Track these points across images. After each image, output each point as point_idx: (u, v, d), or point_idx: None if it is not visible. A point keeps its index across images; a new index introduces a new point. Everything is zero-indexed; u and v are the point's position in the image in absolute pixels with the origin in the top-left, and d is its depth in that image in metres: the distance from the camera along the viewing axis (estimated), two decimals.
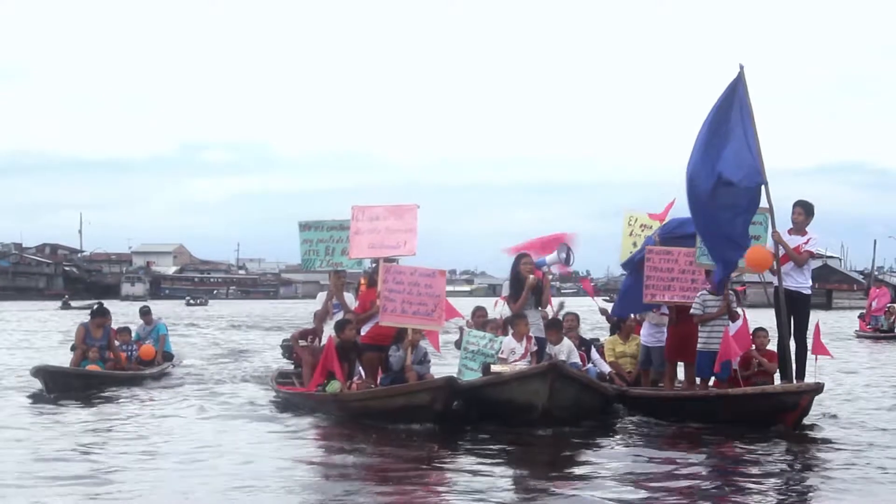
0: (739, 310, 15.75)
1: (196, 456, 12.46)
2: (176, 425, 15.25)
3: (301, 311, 69.07)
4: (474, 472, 11.36)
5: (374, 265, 17.16)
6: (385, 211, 16.65)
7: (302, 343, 18.91)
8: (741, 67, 14.33)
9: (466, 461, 12.18)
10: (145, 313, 23.93)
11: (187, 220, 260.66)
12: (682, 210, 16.10)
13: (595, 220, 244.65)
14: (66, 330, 41.76)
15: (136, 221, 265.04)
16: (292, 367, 20.84)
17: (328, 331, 17.18)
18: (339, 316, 17.13)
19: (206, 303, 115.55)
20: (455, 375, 15.26)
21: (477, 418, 14.62)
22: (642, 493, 10.30)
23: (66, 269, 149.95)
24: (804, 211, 14.99)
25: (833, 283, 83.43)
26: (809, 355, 14.75)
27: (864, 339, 39.06)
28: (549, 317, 17.23)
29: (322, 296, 17.85)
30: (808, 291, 15.01)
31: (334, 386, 15.73)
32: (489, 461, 12.10)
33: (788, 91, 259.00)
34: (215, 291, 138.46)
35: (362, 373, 16.28)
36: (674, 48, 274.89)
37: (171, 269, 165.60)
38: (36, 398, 18.37)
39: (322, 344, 17.69)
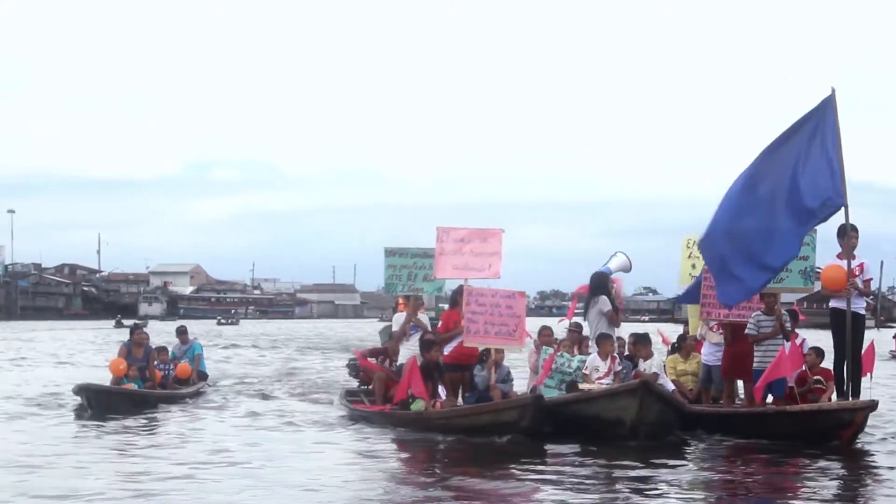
0: (795, 329, 16.56)
1: (283, 474, 12.79)
2: (251, 442, 15.73)
3: (326, 330, 69.59)
4: (555, 484, 12.07)
5: (453, 289, 18.13)
6: (470, 234, 17.25)
7: (371, 360, 19.83)
8: (833, 90, 14.59)
9: (549, 474, 12.85)
10: (182, 332, 24.23)
11: (201, 240, 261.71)
12: None
13: (598, 238, 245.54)
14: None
15: (151, 241, 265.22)
16: (356, 384, 21.40)
17: (405, 351, 18.09)
18: (415, 337, 18.02)
19: (238, 322, 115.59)
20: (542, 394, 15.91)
21: (554, 434, 15.20)
22: None
23: (85, 288, 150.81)
24: (857, 235, 15.24)
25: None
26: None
27: None
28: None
29: (400, 317, 18.69)
30: (864, 312, 15.60)
31: (419, 405, 16.32)
32: (569, 475, 12.72)
33: (793, 109, 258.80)
34: (233, 311, 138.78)
35: (441, 392, 16.83)
36: (675, 66, 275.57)
37: (188, 289, 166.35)
38: (79, 414, 18.98)
39: (395, 363, 18.71)
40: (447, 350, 17.31)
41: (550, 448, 14.72)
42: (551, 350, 16.93)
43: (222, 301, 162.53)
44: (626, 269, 18.72)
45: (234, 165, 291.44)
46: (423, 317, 18.65)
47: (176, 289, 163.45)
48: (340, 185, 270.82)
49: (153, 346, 21.65)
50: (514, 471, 13.08)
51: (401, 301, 19.45)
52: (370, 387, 19.70)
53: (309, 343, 56.92)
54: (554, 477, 12.63)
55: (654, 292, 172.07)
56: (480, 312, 16.37)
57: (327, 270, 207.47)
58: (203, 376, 23.79)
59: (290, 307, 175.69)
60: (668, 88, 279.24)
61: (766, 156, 14.71)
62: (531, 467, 13.26)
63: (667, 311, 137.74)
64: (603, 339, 16.46)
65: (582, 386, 15.91)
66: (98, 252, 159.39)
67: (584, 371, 16.22)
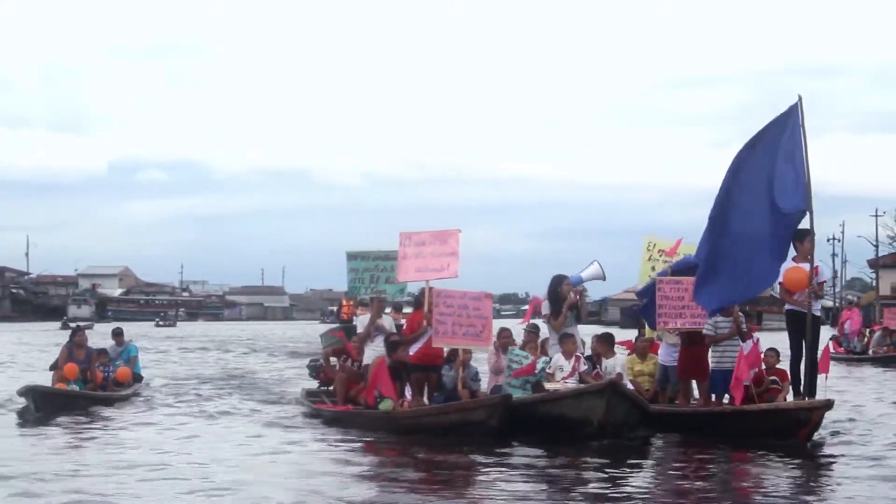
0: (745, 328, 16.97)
1: (240, 475, 13.00)
2: (213, 442, 16.08)
3: (267, 332, 69.54)
4: (515, 482, 12.45)
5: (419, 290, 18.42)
6: (430, 236, 17.82)
7: (333, 361, 20.11)
8: (799, 98, 15.21)
9: (511, 472, 13.24)
10: (117, 335, 24.32)
11: (129, 242, 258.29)
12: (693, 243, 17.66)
13: (534, 240, 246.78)
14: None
15: (80, 243, 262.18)
16: (316, 385, 21.65)
17: (370, 352, 18.34)
18: (379, 339, 18.29)
19: (175, 324, 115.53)
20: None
21: (520, 433, 15.49)
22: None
23: (14, 291, 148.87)
24: (812, 239, 15.68)
25: (763, 306, 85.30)
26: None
27: (839, 361, 39.19)
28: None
29: (364, 319, 18.98)
30: (820, 314, 15.85)
31: (387, 404, 16.60)
32: (532, 474, 13.20)
33: (716, 112, 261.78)
34: (170, 313, 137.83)
35: (407, 392, 17.11)
36: (616, 64, 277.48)
37: (116, 292, 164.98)
38: (22, 416, 19.22)
39: (360, 364, 18.99)
40: (412, 350, 17.55)
41: (517, 446, 15.03)
42: (517, 351, 17.35)
43: (151, 303, 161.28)
44: (599, 277, 19.03)
45: (161, 167, 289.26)
46: (387, 319, 18.90)
47: (105, 291, 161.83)
48: (268, 187, 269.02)
49: (94, 349, 21.94)
50: (481, 469, 13.53)
51: (344, 303, 19.69)
52: (330, 387, 19.99)
53: (253, 345, 56.80)
54: (519, 475, 13.06)
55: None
56: (448, 314, 16.69)
57: (256, 273, 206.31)
58: (138, 378, 23.93)
59: (220, 309, 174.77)
60: (610, 89, 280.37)
61: (740, 163, 15.33)
62: (498, 466, 13.64)
63: (594, 314, 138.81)
64: (566, 339, 16.76)
65: (547, 386, 16.24)
66: (27, 254, 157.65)
67: (547, 371, 16.57)
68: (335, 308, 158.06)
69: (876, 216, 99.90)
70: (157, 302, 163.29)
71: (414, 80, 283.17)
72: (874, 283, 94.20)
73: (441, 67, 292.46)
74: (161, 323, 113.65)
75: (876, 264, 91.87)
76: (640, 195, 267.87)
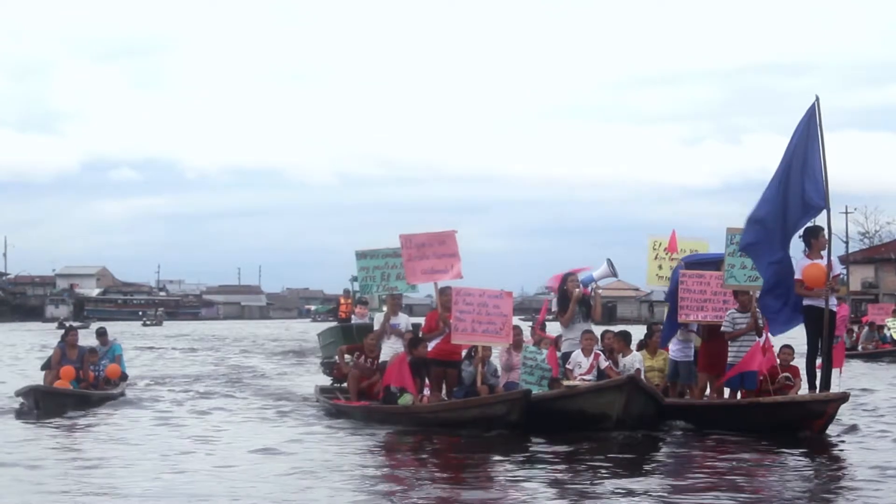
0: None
1: (263, 466, 13.49)
2: (229, 440, 16.29)
3: (252, 331, 69.53)
4: (535, 476, 12.71)
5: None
6: (428, 238, 18.09)
7: (347, 358, 20.31)
8: (817, 98, 15.54)
9: (530, 466, 13.56)
10: (101, 334, 24.30)
11: (104, 242, 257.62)
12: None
13: (508, 238, 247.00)
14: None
15: (57, 244, 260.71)
16: (329, 382, 21.99)
17: (386, 349, 18.57)
18: (395, 335, 18.52)
19: (161, 323, 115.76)
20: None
21: (539, 428, 15.73)
22: (682, 497, 11.37)
23: None
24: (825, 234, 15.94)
25: None
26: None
27: None
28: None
29: (379, 317, 19.16)
30: (835, 309, 16.18)
31: (406, 399, 16.92)
32: (551, 468, 13.41)
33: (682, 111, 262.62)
34: (142, 312, 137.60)
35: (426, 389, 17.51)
36: (581, 65, 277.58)
37: (94, 292, 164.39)
38: (21, 415, 19.36)
39: (372, 361, 19.19)
40: (430, 346, 17.78)
41: (536, 442, 15.26)
42: (532, 348, 17.65)
43: (129, 303, 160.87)
44: (610, 275, 19.23)
45: (132, 166, 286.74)
46: (403, 317, 19.06)
47: (83, 291, 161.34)
48: (242, 187, 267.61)
49: (86, 348, 22.13)
50: (500, 463, 13.83)
51: (342, 301, 19.76)
52: (344, 384, 20.22)
53: (244, 344, 56.94)
54: (539, 469, 13.34)
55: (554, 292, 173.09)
56: (468, 311, 16.90)
57: (232, 272, 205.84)
58: (123, 377, 23.92)
59: (197, 309, 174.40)
60: (580, 86, 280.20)
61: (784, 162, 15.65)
62: (518, 461, 13.91)
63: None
64: (585, 335, 17.05)
65: (565, 383, 16.51)
66: (4, 255, 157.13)
67: (567, 367, 16.84)
68: (312, 307, 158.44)
69: (846, 213, 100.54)
70: (134, 302, 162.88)
71: (386, 79, 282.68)
72: (844, 279, 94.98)
73: (412, 66, 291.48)
74: (148, 322, 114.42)
75: (847, 260, 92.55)
76: (611, 192, 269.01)
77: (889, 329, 41.04)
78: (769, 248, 15.77)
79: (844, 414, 17.01)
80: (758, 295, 16.50)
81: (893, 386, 26.00)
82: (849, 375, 27.81)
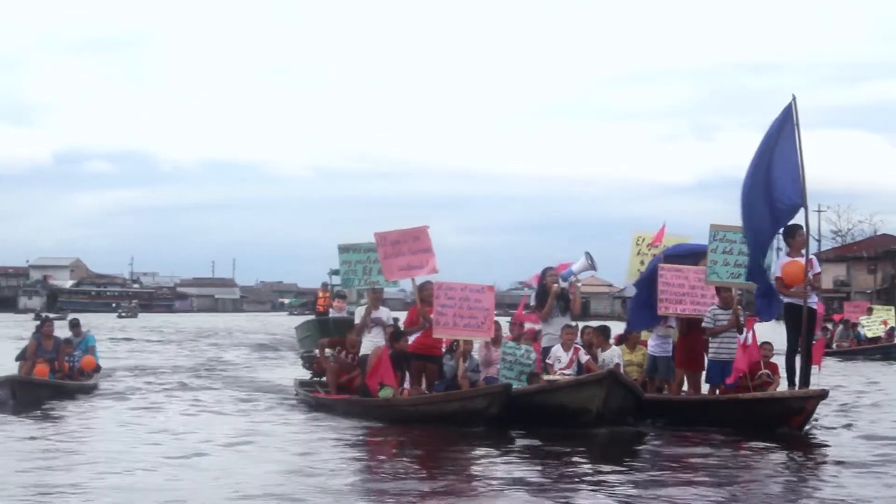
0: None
1: (238, 458, 13.47)
2: (205, 430, 16.26)
3: (227, 324, 69.32)
4: (514, 470, 12.67)
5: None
6: (402, 234, 18.12)
7: (328, 352, 20.30)
8: (793, 97, 15.60)
9: (510, 460, 13.53)
10: (75, 326, 24.31)
11: (78, 234, 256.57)
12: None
13: (485, 234, 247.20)
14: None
15: (30, 235, 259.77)
16: (309, 376, 21.89)
17: (367, 342, 18.48)
18: (376, 329, 18.46)
19: (136, 315, 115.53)
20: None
21: (518, 422, 15.74)
22: (660, 491, 11.31)
23: None
24: (804, 233, 16.08)
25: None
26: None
27: None
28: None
29: (360, 311, 19.15)
30: (815, 306, 16.32)
31: (387, 392, 16.91)
32: (530, 461, 13.45)
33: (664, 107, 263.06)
34: (117, 304, 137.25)
35: (406, 382, 17.53)
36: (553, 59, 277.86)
37: (68, 283, 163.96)
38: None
39: (352, 356, 19.20)
40: (409, 340, 17.83)
41: (516, 436, 15.30)
42: (511, 344, 17.67)
43: (102, 294, 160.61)
44: (589, 269, 19.21)
45: (106, 158, 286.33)
46: (384, 310, 19.06)
47: (56, 282, 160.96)
48: (217, 180, 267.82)
49: (61, 339, 22.12)
50: (481, 458, 13.79)
51: (320, 294, 19.74)
52: (323, 378, 20.26)
53: (219, 336, 56.81)
54: (517, 463, 13.34)
55: (531, 287, 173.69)
56: (450, 305, 16.92)
57: (206, 265, 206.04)
58: (97, 368, 23.96)
59: (171, 301, 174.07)
60: (558, 83, 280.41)
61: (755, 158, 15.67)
62: (497, 454, 13.89)
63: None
64: (565, 330, 17.09)
65: (545, 377, 16.53)
66: None
67: (547, 361, 16.89)
68: (286, 300, 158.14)
69: (819, 211, 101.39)
70: (108, 293, 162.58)
71: (364, 74, 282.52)
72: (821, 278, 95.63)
73: (391, 61, 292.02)
74: (123, 314, 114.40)
75: (819, 258, 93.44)
76: (588, 188, 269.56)
77: (863, 327, 41.25)
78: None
79: (822, 411, 17.01)
80: (740, 293, 16.59)
81: (868, 383, 26.20)
82: (825, 373, 28.11)
